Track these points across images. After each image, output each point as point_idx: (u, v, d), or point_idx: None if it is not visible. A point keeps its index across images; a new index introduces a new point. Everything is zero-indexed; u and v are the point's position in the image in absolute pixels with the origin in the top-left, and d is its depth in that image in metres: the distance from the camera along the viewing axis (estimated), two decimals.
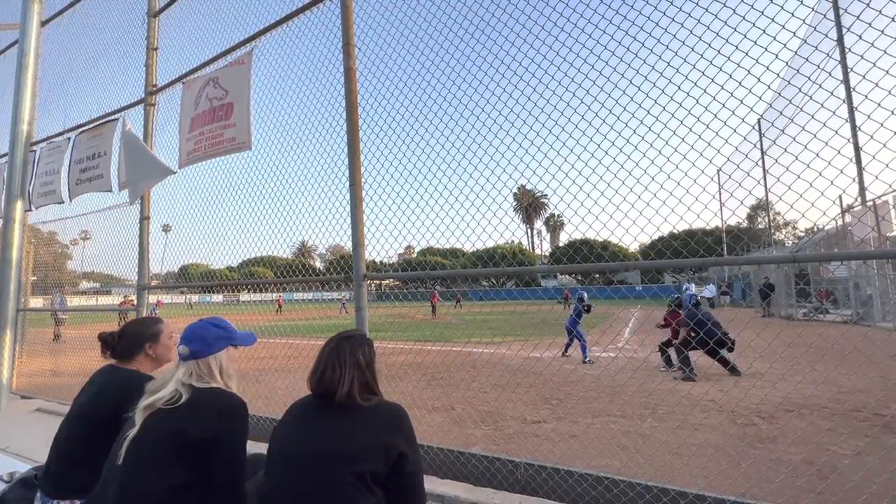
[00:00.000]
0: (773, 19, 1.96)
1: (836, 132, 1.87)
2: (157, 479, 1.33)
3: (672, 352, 7.07)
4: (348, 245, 3.07)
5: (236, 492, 1.45)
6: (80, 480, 1.59)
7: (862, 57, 1.78)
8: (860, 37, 1.79)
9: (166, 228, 4.98)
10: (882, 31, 1.74)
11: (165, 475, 1.34)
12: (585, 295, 8.65)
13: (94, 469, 1.49)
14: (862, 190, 2.16)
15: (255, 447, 2.46)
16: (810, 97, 1.96)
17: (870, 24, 1.77)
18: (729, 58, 2.06)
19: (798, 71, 2.02)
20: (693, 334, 6.23)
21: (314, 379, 1.46)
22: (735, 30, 2.04)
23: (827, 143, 1.88)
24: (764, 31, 1.98)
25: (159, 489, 1.32)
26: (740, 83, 2.04)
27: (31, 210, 5.50)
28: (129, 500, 1.32)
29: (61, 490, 1.64)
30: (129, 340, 1.91)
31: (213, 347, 1.58)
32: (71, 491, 1.63)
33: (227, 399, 1.51)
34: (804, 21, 1.93)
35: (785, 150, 2.08)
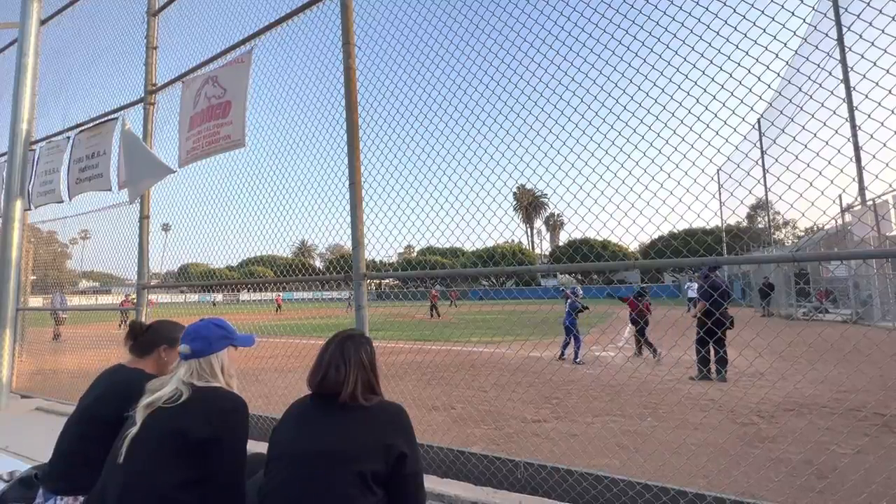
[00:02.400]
0: (773, 18, 1.96)
1: (837, 131, 1.87)
2: (159, 478, 1.34)
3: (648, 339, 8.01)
4: (348, 244, 3.07)
5: (236, 491, 1.45)
6: (85, 478, 1.60)
7: (862, 56, 1.78)
8: (860, 36, 1.78)
9: (166, 227, 4.98)
10: (882, 31, 1.74)
11: (166, 474, 1.34)
12: (578, 289, 8.76)
13: (98, 467, 1.50)
14: (862, 189, 2.16)
15: (255, 447, 2.46)
16: (810, 96, 1.96)
17: (870, 24, 1.77)
18: (729, 57, 2.06)
19: (798, 70, 2.02)
20: (708, 316, 5.94)
21: (317, 379, 1.45)
22: (735, 29, 2.04)
23: (827, 143, 1.88)
24: (764, 30, 1.98)
25: (161, 488, 1.32)
26: (740, 82, 2.04)
27: (30, 209, 5.50)
28: (131, 499, 1.32)
29: (66, 487, 1.66)
30: (151, 337, 1.95)
31: (215, 346, 1.58)
32: (75, 488, 1.64)
33: (228, 398, 1.51)
34: (804, 20, 1.93)
35: (785, 149, 2.08)
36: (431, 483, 2.59)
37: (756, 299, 17.31)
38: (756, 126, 6.43)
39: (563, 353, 8.12)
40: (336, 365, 1.44)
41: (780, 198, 2.02)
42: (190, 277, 5.80)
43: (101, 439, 1.62)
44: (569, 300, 8.33)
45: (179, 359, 1.57)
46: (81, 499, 1.63)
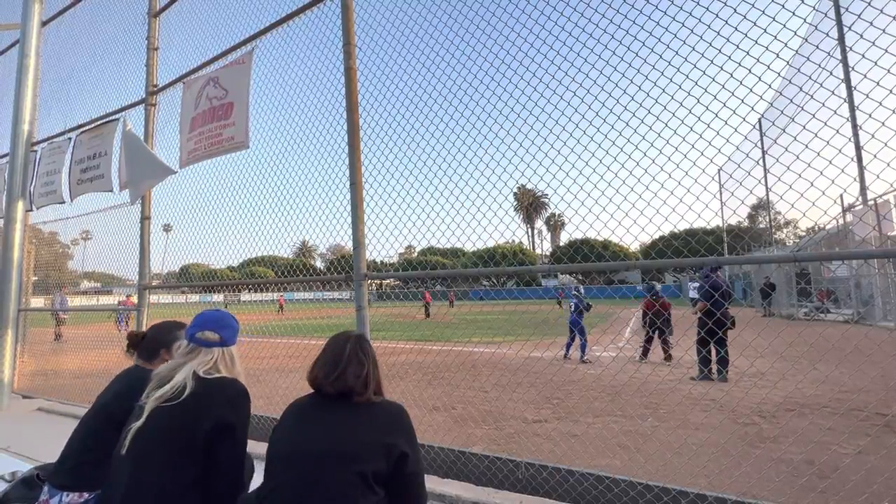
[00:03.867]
0: (774, 18, 1.96)
1: (838, 131, 1.87)
2: (166, 469, 1.35)
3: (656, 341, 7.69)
4: (349, 245, 3.07)
5: (239, 477, 1.46)
6: (91, 475, 1.61)
7: (863, 56, 1.78)
8: (861, 35, 1.78)
9: (167, 228, 4.98)
10: (883, 30, 1.74)
11: (174, 465, 1.35)
12: (581, 288, 8.73)
13: (106, 465, 1.52)
14: (863, 189, 2.16)
15: (256, 447, 2.46)
16: (811, 96, 1.96)
17: (871, 23, 1.76)
18: (730, 57, 2.06)
19: (799, 70, 2.02)
20: (709, 316, 5.80)
21: (332, 375, 1.43)
22: (736, 29, 2.04)
23: (828, 143, 1.88)
24: (765, 30, 1.98)
25: (168, 479, 1.34)
26: (741, 82, 2.04)
27: (32, 210, 5.51)
28: (137, 491, 1.33)
29: (74, 483, 1.66)
30: (150, 344, 2.00)
31: (236, 337, 1.61)
32: (83, 484, 1.65)
33: (234, 387, 1.53)
34: (805, 20, 1.93)
35: (786, 149, 2.08)
36: (432, 483, 2.59)
37: (757, 299, 17.29)
38: (757, 126, 6.43)
39: (567, 353, 8.17)
40: (360, 361, 1.45)
41: (782, 198, 2.02)
42: (191, 278, 5.81)
43: (111, 437, 1.64)
44: (573, 300, 8.35)
45: (193, 345, 1.54)
46: (87, 495, 1.63)
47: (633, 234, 2.41)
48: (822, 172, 1.88)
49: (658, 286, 8.42)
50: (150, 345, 2.00)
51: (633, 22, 2.31)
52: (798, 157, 1.96)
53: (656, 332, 7.79)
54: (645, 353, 7.83)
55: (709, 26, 2.11)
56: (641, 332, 8.21)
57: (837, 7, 2.13)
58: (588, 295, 8.87)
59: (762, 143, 6.34)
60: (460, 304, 27.25)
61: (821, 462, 3.15)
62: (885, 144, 1.74)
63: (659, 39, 2.24)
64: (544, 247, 76.54)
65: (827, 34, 1.96)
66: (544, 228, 76.90)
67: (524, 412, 4.70)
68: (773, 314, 15.97)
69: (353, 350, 1.48)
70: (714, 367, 6.14)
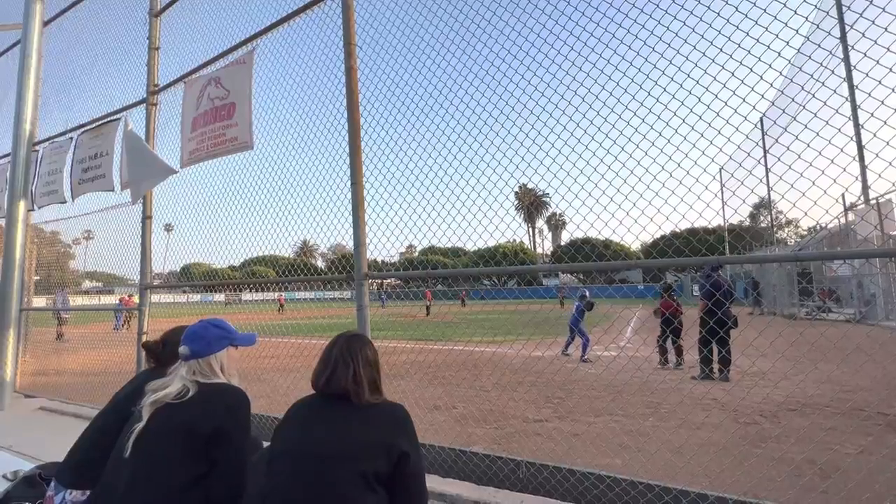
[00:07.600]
0: (775, 17, 1.96)
1: (839, 130, 1.86)
2: (165, 472, 1.36)
3: (669, 345, 7.25)
4: (350, 244, 3.07)
5: (238, 481, 1.47)
6: (96, 471, 1.62)
7: (865, 55, 1.77)
8: (863, 34, 1.78)
9: (168, 228, 4.99)
10: (885, 29, 1.73)
11: (173, 468, 1.37)
12: (587, 292, 8.65)
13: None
14: (865, 188, 2.15)
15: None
16: (813, 95, 1.96)
17: (873, 22, 1.76)
18: (731, 55, 2.06)
19: (801, 69, 2.02)
20: (710, 315, 5.64)
21: (322, 378, 1.45)
22: (738, 27, 2.04)
23: (830, 142, 1.87)
24: (766, 28, 1.97)
25: (168, 481, 1.35)
26: (742, 81, 2.03)
27: (33, 210, 5.52)
28: (138, 493, 1.34)
29: (81, 479, 1.67)
30: (168, 348, 2.01)
31: (214, 347, 1.61)
32: (84, 482, 1.66)
33: (234, 393, 1.55)
34: (807, 18, 1.93)
35: (787, 148, 2.07)
36: (433, 482, 2.59)
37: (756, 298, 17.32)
38: (759, 125, 6.42)
39: (566, 350, 8.18)
40: (346, 362, 1.45)
41: (783, 197, 2.02)
42: (192, 277, 5.82)
43: (119, 435, 1.65)
44: (577, 302, 8.35)
45: (180, 359, 1.59)
46: (89, 493, 1.64)
47: (634, 233, 2.40)
48: (823, 171, 1.87)
49: (673, 282, 7.85)
50: (169, 349, 1.99)
51: (635, 21, 2.30)
52: (800, 157, 1.96)
53: (676, 334, 7.07)
54: (677, 360, 7.08)
55: (710, 25, 2.10)
56: (655, 337, 7.52)
57: (839, 5, 2.12)
58: (590, 294, 8.81)
59: (764, 142, 6.33)
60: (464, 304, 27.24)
61: (822, 462, 3.15)
62: (888, 143, 1.73)
63: (660, 38, 2.24)
64: (545, 246, 76.53)
65: (829, 33, 1.96)
66: (545, 228, 76.90)
67: (525, 411, 4.70)
68: (763, 313, 15.94)
69: (340, 352, 1.48)
70: (715, 366, 6.14)
